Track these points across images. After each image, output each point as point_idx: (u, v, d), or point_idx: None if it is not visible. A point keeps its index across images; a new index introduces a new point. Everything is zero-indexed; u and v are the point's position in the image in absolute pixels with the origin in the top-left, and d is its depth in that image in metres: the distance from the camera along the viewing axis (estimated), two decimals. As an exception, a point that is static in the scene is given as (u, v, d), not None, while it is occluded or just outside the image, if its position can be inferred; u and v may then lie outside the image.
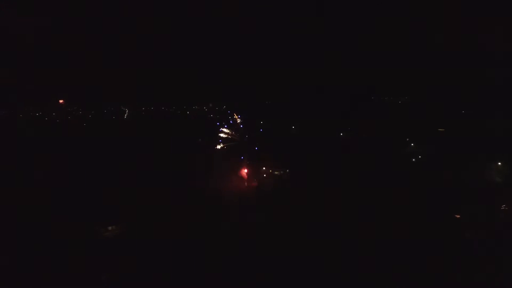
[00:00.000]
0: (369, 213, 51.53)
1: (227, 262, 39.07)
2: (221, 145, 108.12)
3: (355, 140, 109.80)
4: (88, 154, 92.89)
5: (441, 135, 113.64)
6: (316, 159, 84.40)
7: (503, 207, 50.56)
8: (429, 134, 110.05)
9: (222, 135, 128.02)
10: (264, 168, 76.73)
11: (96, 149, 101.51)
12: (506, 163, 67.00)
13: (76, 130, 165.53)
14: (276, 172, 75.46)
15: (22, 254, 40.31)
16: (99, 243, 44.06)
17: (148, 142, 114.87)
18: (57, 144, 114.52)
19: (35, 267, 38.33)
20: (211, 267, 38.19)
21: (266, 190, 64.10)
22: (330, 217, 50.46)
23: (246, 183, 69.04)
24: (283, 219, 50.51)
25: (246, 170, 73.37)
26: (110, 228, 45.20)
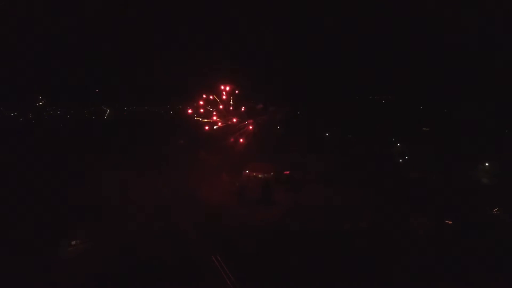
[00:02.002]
0: (356, 216, 49.34)
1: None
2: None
3: (340, 140, 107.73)
4: (59, 158, 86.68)
5: (426, 134, 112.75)
6: (301, 161, 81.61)
7: (495, 211, 48.70)
8: (414, 133, 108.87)
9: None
10: (247, 171, 73.40)
11: (70, 152, 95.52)
12: (494, 164, 65.51)
13: (53, 131, 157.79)
14: (260, 176, 72.22)
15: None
16: (62, 258, 40.01)
17: (127, 144, 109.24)
18: (28, 146, 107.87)
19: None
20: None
21: (249, 195, 60.59)
22: (317, 221, 48.00)
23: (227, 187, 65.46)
24: (268, 224, 47.56)
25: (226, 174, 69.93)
26: (73, 243, 40.92)
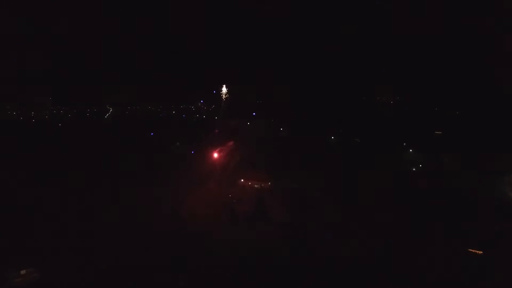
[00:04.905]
0: (362, 236, 42.44)
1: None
2: None
3: (347, 145, 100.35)
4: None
5: (439, 138, 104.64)
6: (303, 168, 74.36)
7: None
8: (428, 138, 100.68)
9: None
10: (242, 180, 66.46)
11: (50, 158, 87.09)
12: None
13: (48, 131, 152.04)
14: (256, 185, 65.29)
15: None
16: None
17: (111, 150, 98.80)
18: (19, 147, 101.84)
19: None
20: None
21: (243, 210, 53.52)
22: (320, 236, 42.79)
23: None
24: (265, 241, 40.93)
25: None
26: (23, 272, 34.49)
